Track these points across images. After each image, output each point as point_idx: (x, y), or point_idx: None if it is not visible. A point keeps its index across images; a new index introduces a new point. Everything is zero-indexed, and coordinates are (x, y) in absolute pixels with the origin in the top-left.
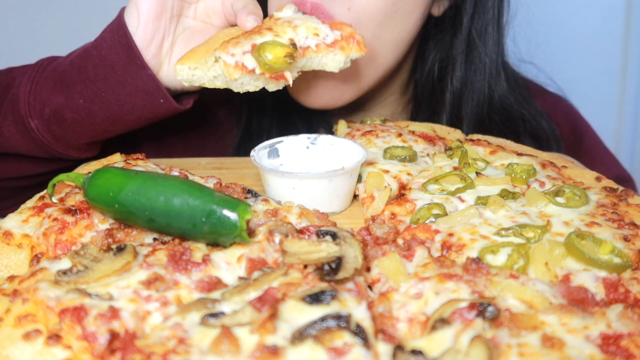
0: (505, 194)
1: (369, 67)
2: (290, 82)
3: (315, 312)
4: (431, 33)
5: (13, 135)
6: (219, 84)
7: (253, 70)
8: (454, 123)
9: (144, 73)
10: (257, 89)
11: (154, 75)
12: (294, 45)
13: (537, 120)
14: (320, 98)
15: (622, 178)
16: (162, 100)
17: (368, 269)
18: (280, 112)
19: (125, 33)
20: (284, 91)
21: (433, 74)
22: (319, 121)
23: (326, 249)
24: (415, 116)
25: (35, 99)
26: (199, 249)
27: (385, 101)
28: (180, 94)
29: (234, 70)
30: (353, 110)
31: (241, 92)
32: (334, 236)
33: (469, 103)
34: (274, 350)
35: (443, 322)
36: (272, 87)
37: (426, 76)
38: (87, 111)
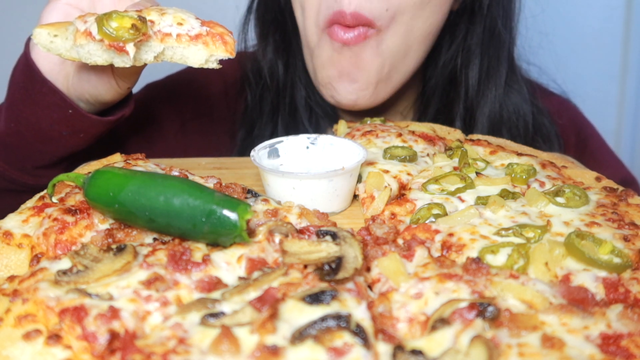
0: (505, 194)
1: (402, 63)
2: (131, 55)
3: (315, 312)
4: (446, 27)
5: None
6: (74, 55)
7: (101, 40)
8: (467, 117)
9: (46, 87)
10: (106, 63)
11: (55, 87)
12: (141, 19)
13: (540, 117)
14: (353, 96)
15: (628, 181)
16: (70, 111)
17: (368, 269)
18: (290, 115)
19: (26, 51)
20: (294, 95)
21: (450, 66)
22: (327, 125)
23: (326, 249)
24: (424, 111)
25: None
26: (199, 249)
27: (398, 98)
28: (115, 106)
29: (81, 36)
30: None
31: (90, 64)
32: (334, 236)
33: (485, 95)
34: (274, 350)
35: (443, 322)
36: (118, 61)
37: (441, 70)
38: (19, 134)
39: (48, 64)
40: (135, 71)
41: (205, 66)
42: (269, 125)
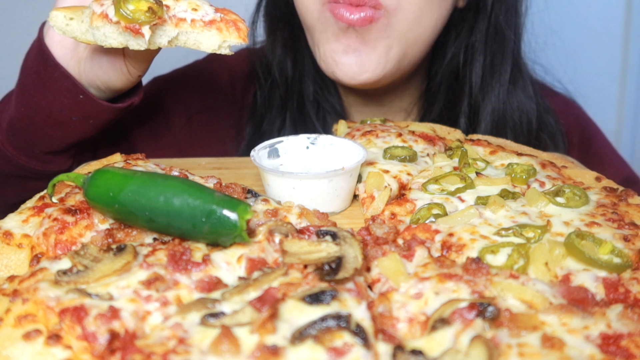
0: (505, 194)
1: (410, 49)
2: (147, 37)
3: (315, 312)
4: (452, 24)
5: None
6: (89, 38)
7: (117, 22)
8: (472, 114)
9: (58, 72)
10: (121, 46)
11: (67, 72)
12: (158, 2)
13: (546, 116)
14: (357, 67)
15: (631, 180)
16: (81, 97)
17: (368, 269)
18: (298, 110)
19: (40, 37)
20: (303, 89)
21: (455, 63)
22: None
23: (326, 249)
24: (429, 108)
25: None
26: (199, 249)
27: (403, 94)
28: (125, 94)
29: (97, 19)
30: (372, 104)
31: (105, 46)
32: (334, 236)
33: (488, 92)
34: (274, 350)
35: (443, 322)
36: (133, 44)
37: (446, 66)
38: (29, 119)
39: (61, 49)
40: (147, 58)
41: (218, 52)
42: (277, 120)
